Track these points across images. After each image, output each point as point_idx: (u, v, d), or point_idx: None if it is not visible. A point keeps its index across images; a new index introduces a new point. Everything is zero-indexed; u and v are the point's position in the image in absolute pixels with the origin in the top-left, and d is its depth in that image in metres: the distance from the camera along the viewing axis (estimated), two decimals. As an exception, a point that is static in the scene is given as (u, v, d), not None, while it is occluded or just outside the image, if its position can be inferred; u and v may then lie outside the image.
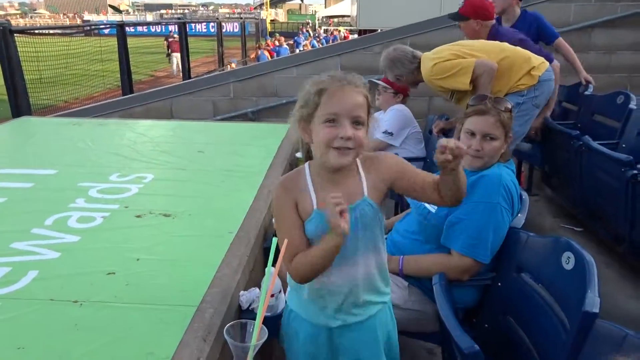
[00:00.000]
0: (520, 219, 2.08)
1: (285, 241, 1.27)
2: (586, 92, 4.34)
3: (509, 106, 2.09)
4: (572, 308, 1.56)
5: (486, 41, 3.51)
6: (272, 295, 1.93)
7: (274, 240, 1.26)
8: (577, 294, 1.53)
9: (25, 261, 1.99)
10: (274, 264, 1.29)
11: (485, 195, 2.00)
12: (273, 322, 1.92)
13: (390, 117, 3.76)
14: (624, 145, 3.54)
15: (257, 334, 1.27)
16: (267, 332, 1.32)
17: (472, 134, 2.08)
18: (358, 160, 1.51)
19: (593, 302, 1.46)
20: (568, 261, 1.65)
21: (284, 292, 1.89)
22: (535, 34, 4.26)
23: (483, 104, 2.08)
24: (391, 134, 3.71)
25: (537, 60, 3.35)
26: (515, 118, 2.42)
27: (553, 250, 1.75)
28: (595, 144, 3.21)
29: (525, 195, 2.18)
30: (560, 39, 4.31)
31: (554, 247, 1.75)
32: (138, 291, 1.80)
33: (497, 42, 3.41)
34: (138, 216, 2.42)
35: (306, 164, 1.56)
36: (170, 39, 18.69)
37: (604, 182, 3.15)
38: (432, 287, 1.90)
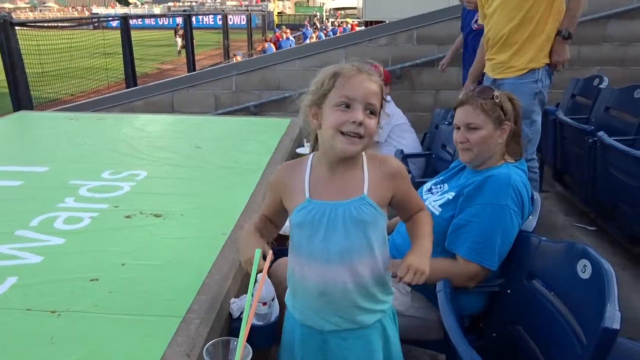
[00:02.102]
0: (532, 222, 1.95)
1: (270, 253, 1.15)
2: (601, 86, 4.17)
3: (496, 93, 1.96)
4: (588, 321, 1.44)
5: None
6: (265, 304, 1.81)
7: (257, 252, 1.13)
8: (595, 306, 1.41)
9: (5, 266, 1.89)
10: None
11: (492, 197, 1.87)
12: (267, 332, 1.81)
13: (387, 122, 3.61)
14: (641, 142, 3.38)
15: (241, 354, 1.15)
16: (251, 349, 1.20)
17: (458, 128, 2.02)
18: (364, 156, 1.44)
19: (613, 316, 1.33)
20: (584, 270, 1.52)
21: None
22: None
23: (463, 95, 2.02)
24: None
25: None
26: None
27: (567, 256, 1.62)
28: (611, 140, 3.05)
29: (537, 196, 2.05)
30: None
31: (569, 253, 1.62)
32: (121, 300, 1.69)
33: None
34: (127, 217, 2.31)
35: (312, 154, 1.49)
36: (181, 31, 18.65)
37: (620, 181, 3.00)
38: (436, 292, 1.78)
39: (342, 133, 1.33)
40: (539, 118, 3.13)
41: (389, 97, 3.68)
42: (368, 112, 1.33)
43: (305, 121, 1.44)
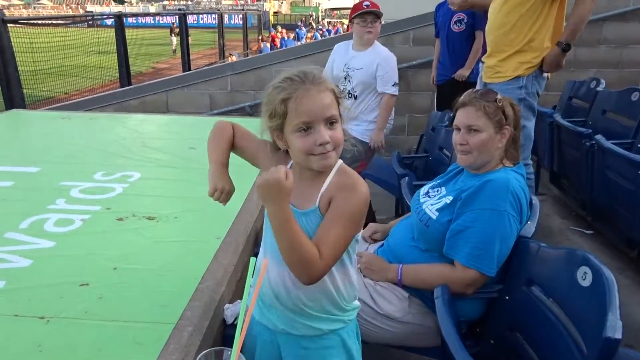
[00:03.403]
0: (531, 227, 1.92)
1: (265, 260, 1.12)
2: (598, 88, 4.16)
3: (498, 97, 1.93)
4: (589, 330, 1.41)
5: None
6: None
7: (252, 260, 1.10)
8: (596, 314, 1.38)
9: (-7, 270, 1.84)
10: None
11: (491, 201, 1.84)
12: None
13: (394, 66, 3.64)
14: (639, 146, 3.36)
15: (234, 365, 1.11)
16: (246, 360, 1.16)
17: (458, 129, 1.98)
18: (337, 165, 1.37)
19: (615, 326, 1.31)
20: (585, 277, 1.50)
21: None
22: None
23: (465, 97, 1.98)
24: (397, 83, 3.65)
25: None
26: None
27: (567, 263, 1.59)
28: (608, 144, 3.03)
29: (536, 201, 2.02)
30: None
31: (569, 260, 1.59)
32: (111, 306, 1.65)
33: None
34: (120, 219, 2.27)
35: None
36: (177, 29, 18.61)
37: (618, 184, 2.98)
38: (434, 298, 1.75)
39: (313, 154, 1.29)
40: (528, 123, 3.09)
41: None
42: (331, 123, 1.29)
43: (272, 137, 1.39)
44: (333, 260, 1.30)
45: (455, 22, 4.53)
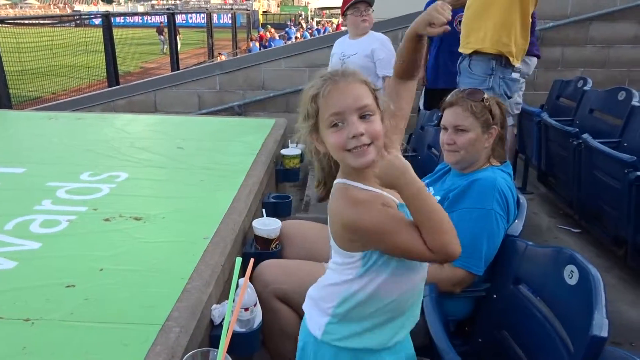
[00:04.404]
0: (518, 226, 1.94)
1: (252, 260, 1.11)
2: (585, 87, 4.19)
3: (485, 96, 1.94)
4: (575, 328, 1.42)
5: None
6: (247, 309, 1.77)
7: (238, 260, 1.09)
8: (582, 312, 1.39)
9: (-24, 272, 1.81)
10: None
11: (478, 200, 1.85)
12: (249, 339, 1.77)
13: (391, 48, 3.66)
14: (625, 145, 3.39)
15: (221, 366, 1.11)
16: (232, 361, 1.16)
17: (446, 129, 1.99)
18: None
19: (601, 324, 1.31)
20: (571, 275, 1.51)
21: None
22: None
23: (452, 96, 1.98)
24: None
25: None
26: None
27: (554, 262, 1.60)
28: (595, 143, 3.05)
29: (523, 200, 2.03)
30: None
31: (556, 258, 1.60)
32: (98, 307, 1.62)
33: None
34: (106, 220, 2.25)
35: (341, 181, 1.31)
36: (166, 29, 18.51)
37: (605, 183, 3.00)
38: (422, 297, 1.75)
39: (349, 150, 1.23)
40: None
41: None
42: (365, 116, 1.23)
43: (309, 149, 1.35)
44: None
45: (460, 22, 4.38)
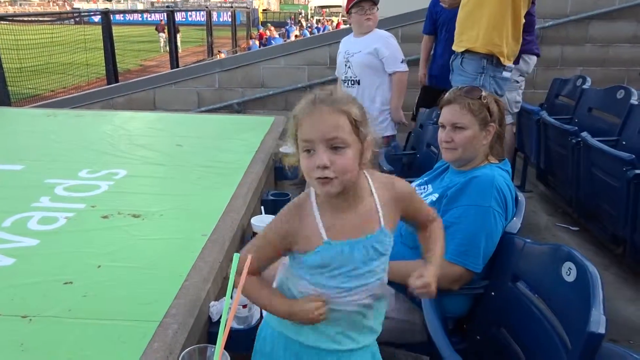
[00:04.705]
0: (516, 223, 1.93)
1: (249, 258, 1.11)
2: (584, 86, 4.19)
3: (483, 94, 1.93)
4: (573, 324, 1.42)
5: None
6: (245, 306, 1.77)
7: (236, 256, 1.09)
8: (580, 309, 1.39)
9: (-25, 268, 1.81)
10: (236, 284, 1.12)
11: (476, 198, 1.84)
12: (246, 336, 1.76)
13: (395, 44, 3.67)
14: (624, 143, 3.39)
15: (218, 361, 1.10)
16: (229, 357, 1.15)
17: (443, 127, 1.98)
18: (369, 179, 1.33)
19: (599, 321, 1.31)
20: (569, 272, 1.50)
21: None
22: None
23: (450, 94, 1.98)
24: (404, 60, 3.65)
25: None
26: None
27: (552, 259, 1.59)
28: (594, 141, 3.05)
29: (521, 197, 2.03)
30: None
31: (554, 255, 1.60)
32: (95, 304, 1.63)
33: None
34: (105, 217, 2.25)
35: (310, 192, 1.34)
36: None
37: (603, 181, 3.00)
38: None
39: (315, 177, 1.22)
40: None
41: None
42: (336, 148, 1.20)
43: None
44: None
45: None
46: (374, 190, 1.33)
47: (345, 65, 3.66)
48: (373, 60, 3.58)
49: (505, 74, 3.12)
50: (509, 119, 3.31)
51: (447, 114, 1.97)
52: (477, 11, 3.06)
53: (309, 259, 1.29)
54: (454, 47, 3.24)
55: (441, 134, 1.99)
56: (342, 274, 1.29)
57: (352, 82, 3.64)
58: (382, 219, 1.32)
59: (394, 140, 3.72)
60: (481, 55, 3.06)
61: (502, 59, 3.05)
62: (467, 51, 3.11)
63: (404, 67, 3.61)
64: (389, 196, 1.35)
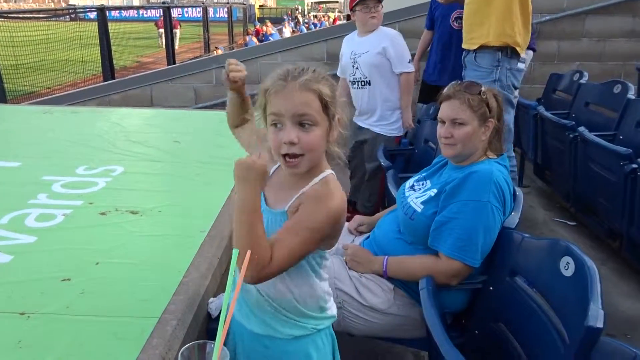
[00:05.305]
0: (514, 218, 1.93)
1: (248, 253, 1.10)
2: (581, 81, 4.19)
3: (482, 89, 1.93)
4: (571, 319, 1.43)
5: None
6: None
7: (235, 252, 1.09)
8: (578, 304, 1.39)
9: (-28, 266, 1.80)
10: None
11: (474, 193, 1.84)
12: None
13: (402, 43, 3.58)
14: (621, 137, 3.39)
15: (218, 359, 1.10)
16: (229, 353, 1.15)
17: (443, 122, 1.98)
18: (321, 176, 1.30)
19: (597, 315, 1.31)
20: (567, 267, 1.51)
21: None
22: None
23: (449, 89, 1.98)
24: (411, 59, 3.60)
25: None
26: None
27: (550, 254, 1.60)
28: (591, 136, 3.06)
29: (519, 192, 2.03)
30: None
31: (552, 250, 1.60)
32: (93, 301, 1.62)
33: None
34: (102, 213, 2.24)
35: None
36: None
37: (600, 176, 3.01)
38: (418, 289, 1.75)
39: (282, 155, 1.23)
40: (507, 116, 3.10)
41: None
42: (304, 125, 1.21)
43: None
44: (282, 267, 1.23)
45: (456, 19, 4.21)
46: (312, 183, 1.29)
47: (353, 66, 3.57)
48: (382, 60, 3.50)
49: (520, 65, 3.13)
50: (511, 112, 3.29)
51: (446, 109, 1.96)
52: (485, 7, 3.06)
53: None
54: (464, 46, 3.24)
55: (440, 130, 1.99)
56: None
57: (363, 83, 3.57)
58: (289, 203, 1.29)
59: (404, 138, 3.69)
60: (495, 48, 3.06)
61: (517, 49, 3.05)
62: (480, 47, 3.11)
63: (411, 67, 3.56)
64: (312, 197, 1.27)
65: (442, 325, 1.56)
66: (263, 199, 1.34)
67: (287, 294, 1.34)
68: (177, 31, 14.92)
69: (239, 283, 1.14)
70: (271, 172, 1.36)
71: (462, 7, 4.02)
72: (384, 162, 2.99)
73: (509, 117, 3.15)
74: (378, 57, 3.48)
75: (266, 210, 1.31)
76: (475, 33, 3.12)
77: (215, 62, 5.84)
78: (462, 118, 1.92)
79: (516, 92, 3.21)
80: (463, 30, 3.25)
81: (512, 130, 3.21)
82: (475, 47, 3.12)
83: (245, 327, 1.41)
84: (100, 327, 1.49)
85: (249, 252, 1.10)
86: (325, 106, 1.23)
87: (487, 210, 1.83)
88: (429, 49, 4.58)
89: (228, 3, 26.57)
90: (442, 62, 4.29)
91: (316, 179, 1.30)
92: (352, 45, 3.63)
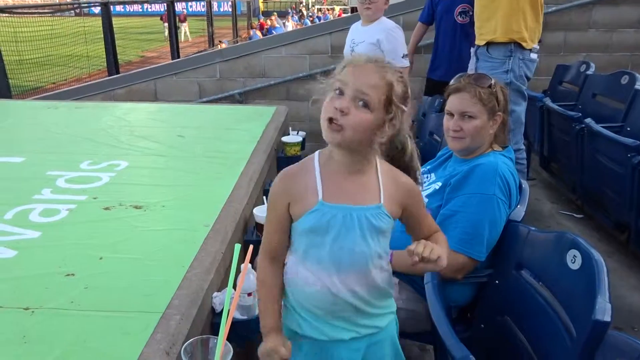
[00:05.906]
0: (520, 211, 1.91)
1: (250, 247, 1.10)
2: (587, 72, 4.14)
3: (492, 82, 1.91)
4: (578, 312, 1.41)
5: None
6: (250, 294, 1.76)
7: (237, 247, 1.08)
8: (585, 297, 1.38)
9: (-24, 261, 1.81)
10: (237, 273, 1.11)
11: (480, 186, 1.83)
12: (251, 325, 1.76)
13: (398, 37, 3.53)
14: (628, 129, 3.35)
15: (221, 354, 1.10)
16: (232, 348, 1.15)
17: (451, 115, 1.94)
18: (378, 163, 1.32)
19: (604, 309, 1.30)
20: (574, 260, 1.49)
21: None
22: None
23: (458, 81, 1.94)
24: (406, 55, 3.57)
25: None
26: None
27: (557, 247, 1.58)
28: (598, 127, 3.03)
29: (525, 185, 2.01)
30: None
31: (558, 243, 1.58)
32: (97, 296, 1.62)
33: None
34: (106, 208, 2.24)
35: (317, 152, 1.34)
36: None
37: (607, 168, 2.98)
38: (424, 284, 1.74)
39: (329, 120, 1.22)
40: (517, 108, 3.08)
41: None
42: (360, 102, 1.19)
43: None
44: None
45: (460, 13, 4.19)
46: (379, 170, 1.31)
47: (351, 54, 3.61)
48: (376, 52, 3.50)
49: (533, 55, 3.13)
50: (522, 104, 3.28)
51: (456, 102, 1.93)
52: (491, 4, 3.09)
53: (303, 222, 1.27)
54: (477, 42, 3.29)
55: (449, 123, 1.95)
56: (335, 239, 1.26)
57: None
58: (382, 195, 1.29)
59: None
60: (504, 43, 3.09)
61: (524, 44, 3.06)
62: (489, 43, 3.14)
63: (405, 62, 3.51)
64: (394, 183, 1.32)
65: (447, 319, 1.55)
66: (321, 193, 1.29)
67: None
68: (186, 24, 14.87)
69: (241, 277, 1.14)
70: (316, 170, 1.31)
71: (465, 2, 4.04)
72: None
73: (520, 108, 3.13)
74: (371, 47, 3.46)
75: (353, 208, 1.28)
76: (484, 29, 3.17)
77: (219, 56, 5.82)
78: (472, 111, 1.89)
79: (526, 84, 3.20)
80: (475, 26, 3.29)
81: (523, 123, 3.19)
82: (484, 42, 3.17)
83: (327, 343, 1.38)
84: (104, 322, 1.49)
85: (251, 247, 1.09)
86: (389, 102, 1.22)
87: (492, 203, 1.81)
88: (433, 44, 4.53)
89: (232, -4, 26.52)
90: (448, 57, 4.25)
91: (378, 163, 1.31)
92: (353, 34, 3.66)
